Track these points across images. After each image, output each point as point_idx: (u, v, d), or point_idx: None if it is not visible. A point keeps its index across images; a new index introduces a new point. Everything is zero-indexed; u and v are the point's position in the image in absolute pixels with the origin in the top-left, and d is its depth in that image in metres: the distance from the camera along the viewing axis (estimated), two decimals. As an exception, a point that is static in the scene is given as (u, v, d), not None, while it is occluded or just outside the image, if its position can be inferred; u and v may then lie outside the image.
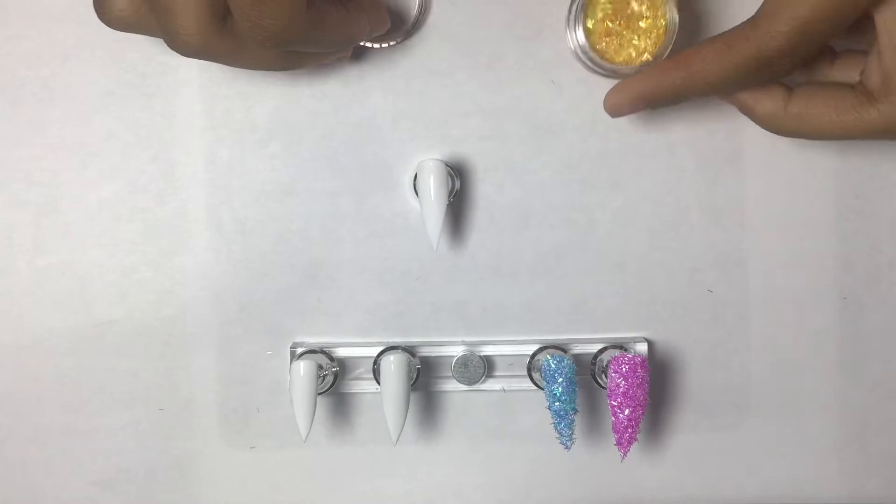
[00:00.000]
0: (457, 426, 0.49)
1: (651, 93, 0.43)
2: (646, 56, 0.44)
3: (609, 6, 0.44)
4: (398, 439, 0.45)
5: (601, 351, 0.47)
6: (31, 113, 0.46)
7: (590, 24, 0.44)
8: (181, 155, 0.47)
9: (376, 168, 0.47)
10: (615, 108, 0.44)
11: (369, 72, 0.46)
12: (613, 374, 0.45)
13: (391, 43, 0.46)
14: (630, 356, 0.45)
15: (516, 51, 0.46)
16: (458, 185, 0.47)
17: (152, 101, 0.46)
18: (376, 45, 0.46)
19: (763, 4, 0.39)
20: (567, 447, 0.45)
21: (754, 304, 0.49)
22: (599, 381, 0.47)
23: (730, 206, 0.48)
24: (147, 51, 0.46)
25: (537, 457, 0.49)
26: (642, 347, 0.47)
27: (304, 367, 0.45)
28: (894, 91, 0.40)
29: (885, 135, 0.41)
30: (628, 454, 0.45)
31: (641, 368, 0.44)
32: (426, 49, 0.46)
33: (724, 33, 0.41)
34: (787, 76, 0.41)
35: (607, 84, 0.46)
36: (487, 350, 0.48)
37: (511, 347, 0.48)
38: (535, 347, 0.47)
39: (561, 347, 0.47)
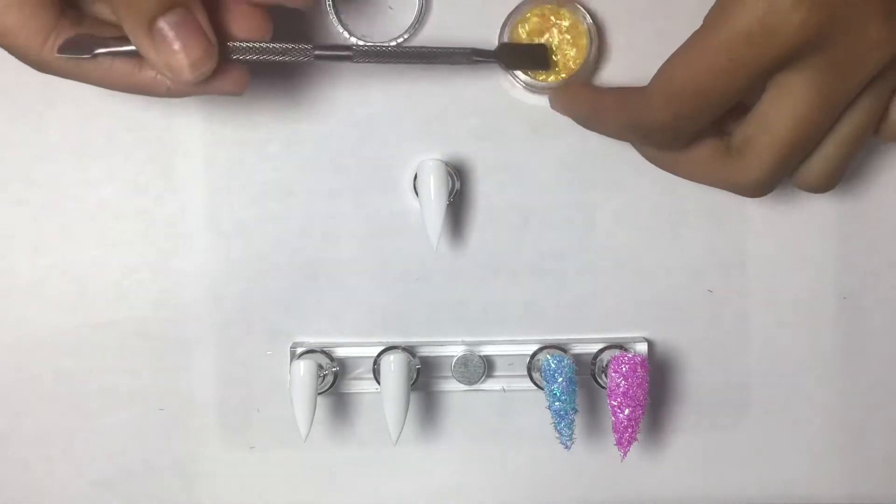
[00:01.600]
0: (457, 426, 0.49)
1: (570, 112, 0.45)
2: (562, 75, 0.45)
3: (534, 25, 0.45)
4: (398, 439, 0.45)
5: (601, 351, 0.47)
6: (31, 113, 0.46)
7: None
8: (181, 155, 0.47)
9: (376, 168, 0.47)
10: (553, 106, 0.46)
11: (369, 72, 0.46)
12: (613, 374, 0.45)
13: (391, 43, 0.46)
14: (630, 356, 0.45)
15: (516, 51, 0.46)
16: (458, 185, 0.47)
17: (152, 101, 0.46)
18: (377, 46, 0.46)
19: (653, 77, 0.39)
20: (567, 447, 0.45)
21: (754, 304, 0.49)
22: (599, 381, 0.47)
23: (730, 206, 0.48)
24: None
25: (537, 457, 0.49)
26: (642, 347, 0.47)
27: (304, 367, 0.45)
28: (747, 155, 0.40)
29: (734, 189, 0.41)
30: (628, 454, 0.45)
31: (641, 368, 0.44)
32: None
33: (626, 89, 0.42)
34: (674, 147, 0.41)
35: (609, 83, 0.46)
36: (487, 350, 0.48)
37: (511, 347, 0.48)
38: (535, 347, 0.47)
39: (561, 347, 0.47)
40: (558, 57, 0.45)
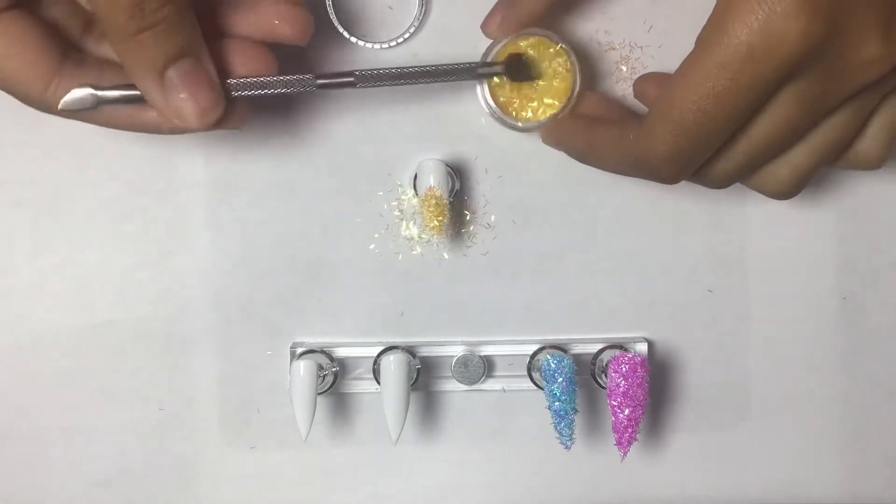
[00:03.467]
0: (457, 426, 0.49)
1: (566, 148, 0.44)
2: (551, 110, 0.44)
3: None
4: (398, 439, 0.45)
5: (601, 351, 0.47)
6: (31, 113, 0.46)
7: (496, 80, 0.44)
8: (181, 155, 0.47)
9: (376, 168, 0.47)
10: (545, 142, 0.45)
11: (369, 72, 0.46)
12: (613, 374, 0.45)
13: (391, 43, 0.46)
14: (630, 356, 0.45)
15: (516, 51, 0.46)
16: (458, 185, 0.47)
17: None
18: (377, 45, 0.46)
19: (652, 106, 0.38)
20: (567, 447, 0.45)
21: (754, 304, 0.49)
22: (599, 381, 0.47)
23: (730, 206, 0.48)
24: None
25: (537, 457, 0.49)
26: (642, 347, 0.47)
27: (304, 367, 0.45)
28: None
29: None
30: (628, 454, 0.45)
31: (641, 368, 0.44)
32: (426, 49, 0.46)
33: (623, 121, 0.41)
34: (674, 183, 0.40)
35: (610, 81, 0.46)
36: (487, 350, 0.48)
37: (511, 347, 0.48)
38: (535, 347, 0.47)
39: (561, 347, 0.47)
40: (545, 94, 0.44)
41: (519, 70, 0.43)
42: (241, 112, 0.40)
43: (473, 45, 0.46)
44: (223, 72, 0.39)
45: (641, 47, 0.46)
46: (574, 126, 0.43)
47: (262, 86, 0.40)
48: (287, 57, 0.41)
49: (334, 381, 0.47)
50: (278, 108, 0.46)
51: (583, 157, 0.43)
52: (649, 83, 0.43)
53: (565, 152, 0.44)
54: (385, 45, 0.46)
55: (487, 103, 0.44)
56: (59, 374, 0.48)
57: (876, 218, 0.48)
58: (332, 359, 0.47)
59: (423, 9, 0.46)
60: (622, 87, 0.47)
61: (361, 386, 0.48)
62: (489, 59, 0.44)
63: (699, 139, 0.37)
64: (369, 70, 0.41)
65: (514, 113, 0.44)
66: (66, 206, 0.47)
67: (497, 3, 0.44)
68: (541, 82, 0.44)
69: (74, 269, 0.47)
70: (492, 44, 0.44)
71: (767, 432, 0.49)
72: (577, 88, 0.44)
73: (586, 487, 0.50)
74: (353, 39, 0.46)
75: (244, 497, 0.49)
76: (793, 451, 0.50)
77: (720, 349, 0.49)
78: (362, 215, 0.47)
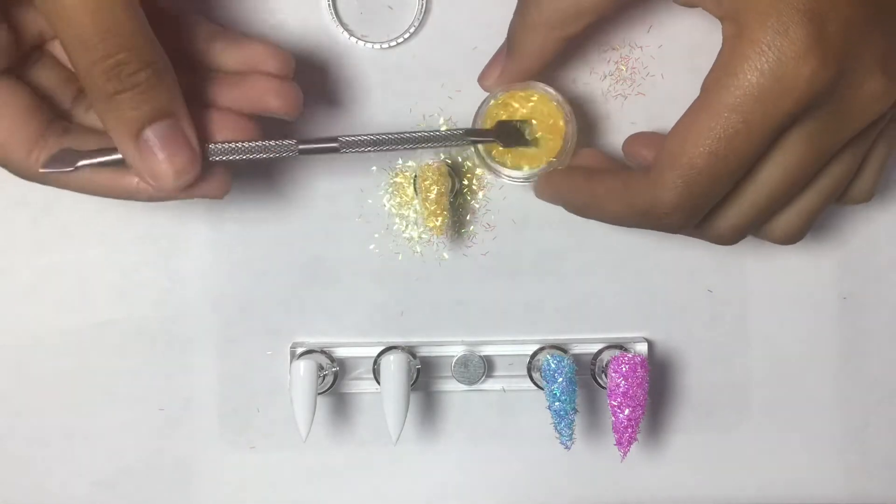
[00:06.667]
0: (457, 426, 0.49)
1: (564, 201, 0.43)
2: (547, 161, 0.44)
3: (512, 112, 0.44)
4: (398, 439, 0.45)
5: (601, 351, 0.47)
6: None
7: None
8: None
9: (376, 167, 0.47)
10: (539, 195, 0.44)
11: (369, 72, 0.46)
12: (613, 374, 0.45)
13: (391, 43, 0.46)
14: (630, 356, 0.45)
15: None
16: (458, 185, 0.47)
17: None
18: (377, 45, 0.46)
19: (658, 154, 0.38)
20: (567, 447, 0.45)
21: (754, 304, 0.49)
22: (599, 381, 0.47)
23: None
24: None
25: (537, 457, 0.49)
26: (642, 347, 0.47)
27: (304, 367, 0.45)
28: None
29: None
30: (628, 454, 0.45)
31: (641, 368, 0.44)
32: (426, 49, 0.46)
33: (624, 172, 0.40)
34: (679, 232, 0.39)
35: (609, 84, 0.46)
36: (487, 350, 0.48)
37: (511, 347, 0.48)
38: (535, 347, 0.47)
39: (561, 347, 0.47)
40: (541, 146, 0.43)
41: (510, 136, 0.43)
42: (221, 180, 0.40)
43: (473, 46, 0.46)
44: (205, 139, 0.39)
45: (641, 47, 0.46)
46: (572, 179, 0.42)
47: (243, 151, 0.40)
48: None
49: (334, 381, 0.47)
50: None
51: (582, 210, 0.42)
52: (639, 144, 0.43)
53: (563, 206, 0.43)
54: (385, 45, 0.46)
55: (479, 155, 0.44)
56: (59, 374, 0.48)
57: (876, 218, 0.48)
58: (332, 359, 0.47)
59: (423, 9, 0.46)
60: (622, 87, 0.47)
61: (361, 386, 0.48)
62: (484, 111, 0.43)
63: (709, 184, 0.37)
64: (354, 136, 0.41)
65: (507, 164, 0.44)
66: (66, 206, 0.47)
67: (495, 56, 0.44)
68: (534, 148, 0.44)
69: (74, 269, 0.47)
70: (487, 97, 0.44)
71: (767, 432, 0.49)
72: (573, 142, 0.43)
73: (586, 487, 0.50)
74: (353, 39, 0.46)
75: (244, 497, 0.49)
76: (793, 451, 0.50)
77: (720, 349, 0.49)
78: (362, 215, 0.47)
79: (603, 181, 0.40)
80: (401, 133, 0.41)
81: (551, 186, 0.43)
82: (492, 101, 0.43)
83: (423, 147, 0.42)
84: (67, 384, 0.48)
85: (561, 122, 0.43)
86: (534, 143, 0.43)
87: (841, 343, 0.49)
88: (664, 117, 0.47)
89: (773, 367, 0.49)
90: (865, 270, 0.49)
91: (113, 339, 0.48)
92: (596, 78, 0.47)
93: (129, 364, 0.48)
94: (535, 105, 0.44)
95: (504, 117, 0.43)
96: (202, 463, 0.49)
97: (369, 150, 0.41)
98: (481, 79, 0.44)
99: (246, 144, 0.40)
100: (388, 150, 0.41)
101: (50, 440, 0.48)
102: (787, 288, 0.49)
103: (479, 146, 0.44)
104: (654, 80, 0.47)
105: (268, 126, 0.40)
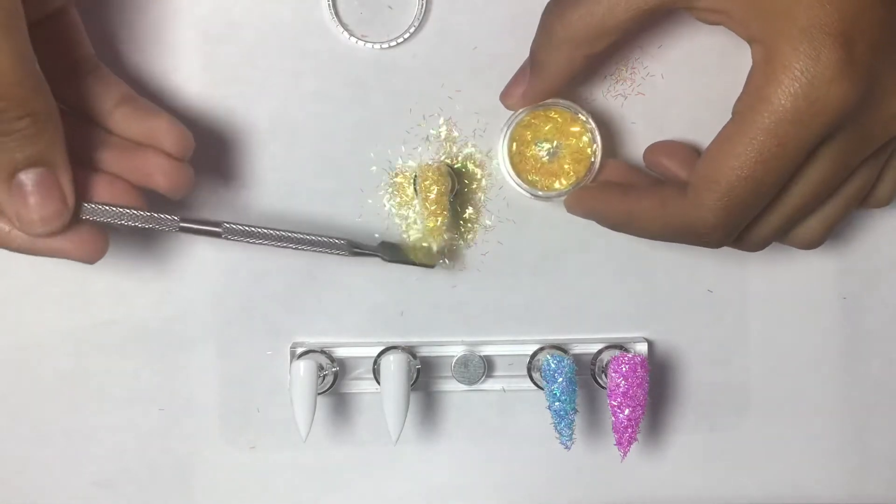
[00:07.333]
0: (457, 426, 0.49)
1: (598, 217, 0.44)
2: (573, 180, 0.45)
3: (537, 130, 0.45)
4: (398, 439, 0.45)
5: (601, 351, 0.47)
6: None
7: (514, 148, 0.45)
8: (181, 155, 0.47)
9: (376, 168, 0.47)
10: (571, 211, 0.45)
11: (369, 72, 0.46)
12: (613, 374, 0.45)
13: (391, 43, 0.46)
14: (630, 356, 0.45)
15: (516, 50, 0.45)
16: (457, 185, 0.47)
17: (152, 101, 0.46)
18: (377, 45, 0.46)
19: (694, 175, 0.39)
20: (567, 447, 0.45)
21: (754, 304, 0.49)
22: (599, 381, 0.47)
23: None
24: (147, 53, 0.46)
25: (537, 457, 0.49)
26: (642, 347, 0.47)
27: (304, 367, 0.45)
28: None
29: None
30: (628, 454, 0.45)
31: (641, 368, 0.44)
32: (426, 49, 0.46)
33: (660, 189, 0.41)
34: (719, 247, 0.41)
35: (609, 84, 0.46)
36: (487, 350, 0.48)
37: (511, 347, 0.48)
38: (535, 347, 0.47)
39: (561, 347, 0.47)
40: (567, 163, 0.45)
41: (393, 253, 0.44)
42: (92, 241, 0.40)
43: (473, 45, 0.46)
44: (83, 199, 0.39)
45: (641, 47, 0.46)
46: (607, 196, 0.43)
47: (119, 216, 0.40)
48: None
49: (334, 381, 0.47)
50: (277, 109, 0.46)
51: (619, 226, 0.43)
52: (661, 153, 0.44)
53: (596, 221, 0.44)
54: (385, 45, 0.46)
55: (508, 174, 0.45)
56: (59, 374, 0.48)
57: (876, 218, 0.48)
58: (332, 359, 0.47)
59: (423, 9, 0.46)
60: (622, 87, 0.47)
61: (361, 386, 0.48)
62: (510, 132, 0.45)
63: (749, 204, 0.38)
64: (238, 225, 0.41)
65: (536, 183, 0.45)
66: (66, 206, 0.47)
67: (517, 74, 0.44)
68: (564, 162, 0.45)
69: (74, 269, 0.47)
70: (510, 117, 0.45)
71: (767, 432, 0.49)
72: (600, 157, 0.44)
73: (586, 487, 0.50)
74: (353, 39, 0.46)
75: (244, 497, 0.49)
76: (793, 451, 0.50)
77: (720, 349, 0.49)
78: (362, 215, 0.47)
79: (639, 200, 0.41)
80: (287, 231, 0.42)
81: (584, 203, 0.44)
82: (516, 119, 0.44)
83: (304, 249, 0.42)
84: (67, 384, 0.48)
85: (586, 139, 0.44)
86: (418, 263, 0.45)
87: (841, 343, 0.49)
88: (664, 117, 0.47)
89: (773, 367, 0.49)
90: (865, 271, 0.49)
91: (113, 339, 0.48)
92: (596, 78, 0.47)
93: (129, 364, 0.48)
94: (561, 122, 0.45)
95: (529, 138, 0.45)
96: (202, 463, 0.49)
97: (251, 242, 0.42)
98: (504, 97, 0.44)
99: (123, 210, 0.40)
100: (269, 244, 0.42)
101: (50, 440, 0.48)
102: (787, 288, 0.49)
103: (509, 167, 0.45)
104: (654, 80, 0.47)
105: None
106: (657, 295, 0.48)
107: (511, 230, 0.48)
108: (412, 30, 0.46)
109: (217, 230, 0.41)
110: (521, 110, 0.44)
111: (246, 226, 0.42)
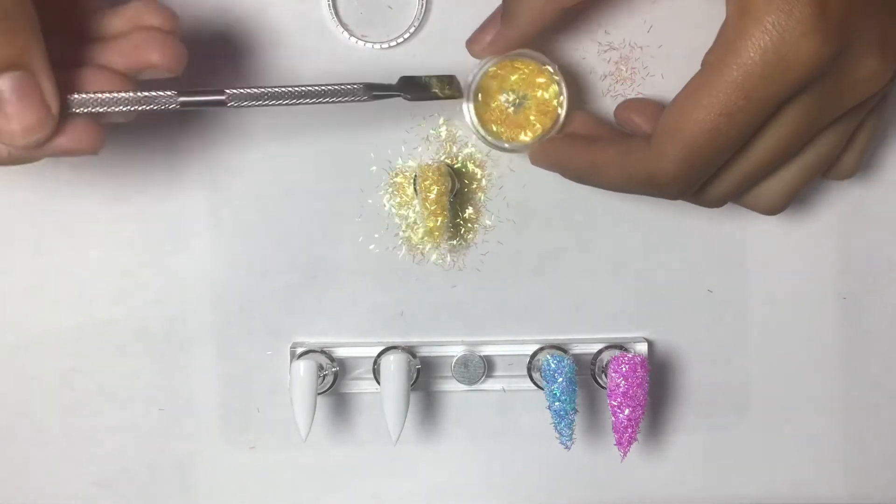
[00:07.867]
0: (457, 426, 0.49)
1: (562, 169, 0.43)
2: (538, 132, 0.44)
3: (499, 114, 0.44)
4: (398, 439, 0.45)
5: (601, 351, 0.47)
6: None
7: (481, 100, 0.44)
8: (181, 154, 0.47)
9: (376, 168, 0.47)
10: (535, 163, 0.45)
11: (369, 72, 0.46)
12: (613, 374, 0.45)
13: (391, 43, 0.46)
14: (630, 356, 0.45)
15: (516, 51, 0.46)
16: (458, 185, 0.47)
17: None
18: (377, 45, 0.46)
19: (658, 126, 0.38)
20: (567, 447, 0.45)
21: (754, 304, 0.49)
22: (599, 381, 0.47)
23: (729, 206, 0.48)
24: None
25: (537, 457, 0.49)
26: (642, 347, 0.47)
27: (304, 367, 0.45)
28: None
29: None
30: (628, 454, 0.45)
31: (641, 368, 0.44)
32: (426, 49, 0.46)
33: (625, 140, 0.41)
34: (678, 199, 0.40)
35: (609, 84, 0.46)
36: (487, 350, 0.48)
37: (511, 347, 0.48)
38: (535, 347, 0.47)
39: (561, 347, 0.47)
40: (533, 115, 0.44)
41: (415, 90, 0.42)
42: (85, 132, 0.37)
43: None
44: (69, 93, 0.36)
45: (641, 47, 0.46)
46: (571, 146, 0.43)
47: (112, 102, 0.36)
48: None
49: (334, 381, 0.47)
50: (277, 109, 0.46)
51: (582, 177, 0.42)
52: (631, 110, 0.43)
53: (560, 173, 0.43)
54: (385, 45, 0.46)
55: (473, 124, 0.44)
56: (59, 374, 0.48)
57: (876, 218, 0.48)
58: (332, 359, 0.47)
59: (423, 9, 0.46)
60: (622, 87, 0.47)
61: (361, 386, 0.48)
62: (477, 83, 0.44)
63: (710, 157, 0.38)
64: (243, 89, 0.37)
65: (502, 135, 0.44)
66: (66, 206, 0.47)
67: (487, 21, 0.43)
68: (508, 98, 0.44)
69: (74, 269, 0.47)
70: (478, 67, 0.44)
71: (767, 432, 0.49)
72: (566, 109, 0.44)
73: (586, 487, 0.50)
74: (353, 39, 0.46)
75: (244, 497, 0.49)
76: (793, 451, 0.50)
77: (720, 349, 0.49)
78: (362, 215, 0.47)
79: (603, 150, 0.41)
80: (296, 86, 0.38)
81: (549, 154, 0.44)
82: (482, 74, 0.44)
83: (320, 102, 0.38)
84: (67, 384, 0.48)
85: (554, 90, 0.44)
86: (445, 96, 0.42)
87: (841, 343, 0.49)
88: (664, 117, 0.47)
89: (773, 367, 0.49)
90: (865, 270, 0.49)
91: (113, 339, 0.48)
92: (596, 78, 0.47)
93: (129, 364, 0.48)
94: (528, 74, 0.44)
95: (495, 89, 0.44)
96: (202, 463, 0.49)
97: (260, 105, 0.37)
98: (470, 43, 0.44)
99: (115, 95, 0.36)
100: (281, 104, 0.38)
101: (50, 440, 0.48)
102: (787, 288, 0.49)
103: (473, 118, 0.44)
104: (653, 80, 0.47)
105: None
106: (657, 295, 0.48)
107: (511, 230, 0.48)
108: (412, 30, 0.46)
109: (220, 98, 0.37)
110: (487, 59, 0.44)
111: (252, 87, 0.37)
